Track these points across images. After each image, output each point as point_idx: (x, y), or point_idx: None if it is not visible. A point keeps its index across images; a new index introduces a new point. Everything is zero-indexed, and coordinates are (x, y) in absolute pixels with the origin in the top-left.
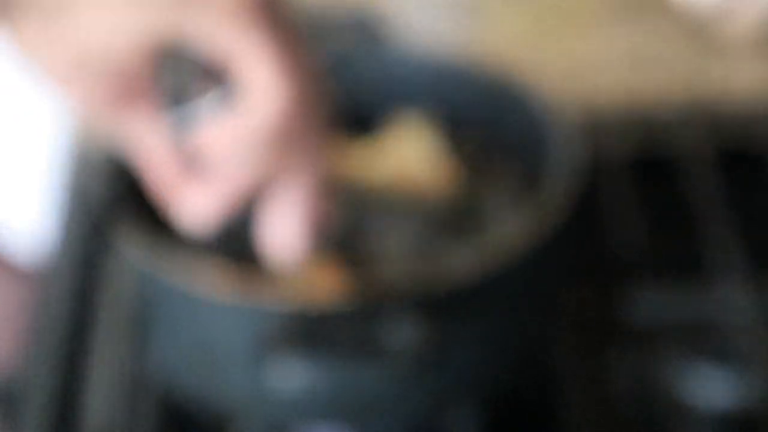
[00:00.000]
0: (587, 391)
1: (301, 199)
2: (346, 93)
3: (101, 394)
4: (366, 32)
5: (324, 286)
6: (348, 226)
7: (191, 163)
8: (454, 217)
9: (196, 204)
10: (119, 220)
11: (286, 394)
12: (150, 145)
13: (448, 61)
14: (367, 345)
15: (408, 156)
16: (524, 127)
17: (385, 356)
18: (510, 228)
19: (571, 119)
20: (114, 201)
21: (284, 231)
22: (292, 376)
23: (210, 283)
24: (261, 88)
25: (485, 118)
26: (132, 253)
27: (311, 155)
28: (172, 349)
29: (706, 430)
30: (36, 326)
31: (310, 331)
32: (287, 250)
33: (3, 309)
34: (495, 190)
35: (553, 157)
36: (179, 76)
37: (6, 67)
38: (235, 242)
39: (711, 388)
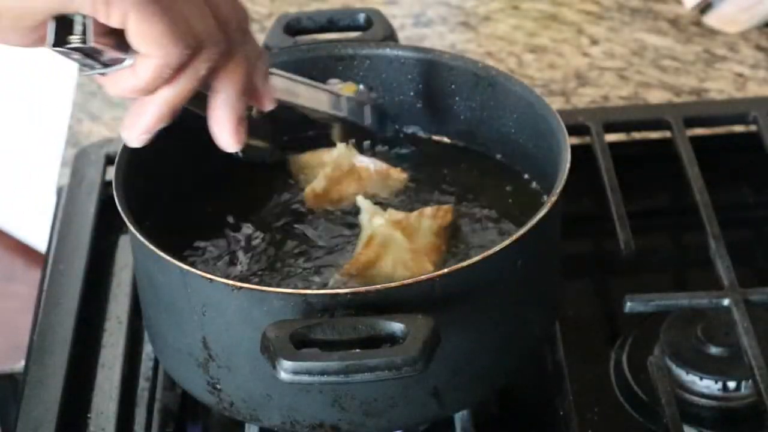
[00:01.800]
0: (587, 391)
1: (226, 97)
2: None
3: (108, 386)
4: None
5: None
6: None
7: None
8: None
9: (131, 123)
10: (123, 211)
11: (289, 390)
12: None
13: (450, 61)
14: (368, 343)
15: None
16: (529, 129)
17: (385, 355)
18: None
19: (569, 119)
20: (117, 191)
21: (220, 130)
22: (293, 374)
23: (214, 275)
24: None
25: (487, 119)
26: (137, 243)
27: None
28: (175, 342)
29: (707, 426)
30: (44, 319)
31: (311, 328)
32: (229, 143)
33: (9, 302)
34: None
35: (554, 157)
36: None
37: (5, 66)
38: None
39: (710, 383)
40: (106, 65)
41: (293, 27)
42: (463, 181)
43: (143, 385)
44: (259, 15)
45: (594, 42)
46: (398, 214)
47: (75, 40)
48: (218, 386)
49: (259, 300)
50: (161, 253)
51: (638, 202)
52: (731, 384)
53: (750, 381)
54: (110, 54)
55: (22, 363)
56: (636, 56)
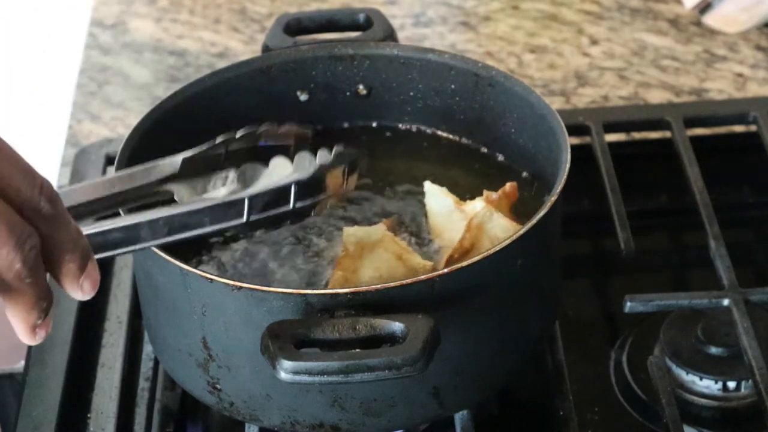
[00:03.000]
0: (587, 391)
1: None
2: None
3: (108, 386)
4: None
5: None
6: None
7: None
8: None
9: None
10: (123, 211)
11: (289, 390)
12: None
13: (450, 61)
14: (368, 343)
15: None
16: (529, 129)
17: (385, 355)
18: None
19: (569, 119)
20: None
21: (15, 326)
22: (293, 374)
23: (215, 276)
24: None
25: (488, 119)
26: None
27: None
28: (175, 342)
29: (707, 426)
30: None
31: (311, 328)
32: (24, 339)
33: None
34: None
35: (554, 157)
36: None
37: (5, 67)
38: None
39: (710, 383)
40: None
41: (293, 27)
42: (463, 181)
43: (143, 385)
44: (259, 15)
45: (594, 42)
46: (482, 198)
47: None
48: (218, 386)
49: (259, 300)
50: (161, 253)
51: (638, 202)
52: (731, 384)
53: (750, 381)
54: None
55: (22, 363)
56: (636, 56)
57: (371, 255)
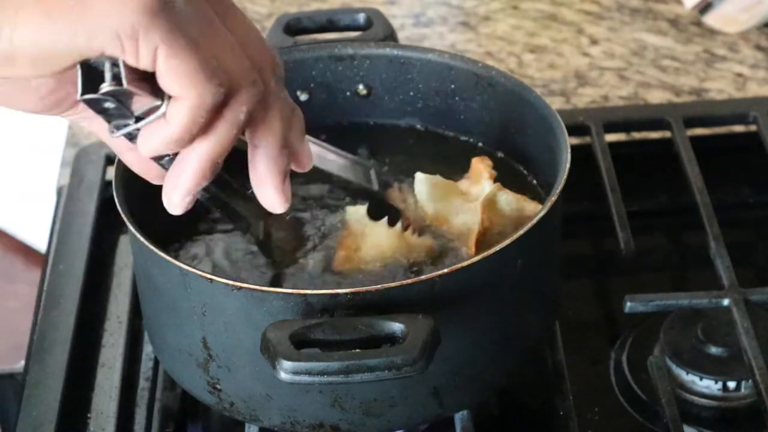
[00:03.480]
0: (587, 391)
1: (267, 151)
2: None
3: (108, 386)
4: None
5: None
6: None
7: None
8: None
9: (172, 187)
10: (123, 211)
11: (289, 390)
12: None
13: (450, 61)
14: (368, 343)
15: None
16: (529, 129)
17: (385, 355)
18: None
19: (569, 119)
20: (117, 191)
21: (264, 189)
22: (293, 374)
23: (215, 276)
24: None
25: (487, 119)
26: (137, 243)
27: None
28: (175, 342)
29: (707, 426)
30: (44, 319)
31: (311, 328)
32: (275, 202)
33: (9, 302)
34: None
35: (554, 157)
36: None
37: None
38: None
39: (710, 383)
40: (138, 119)
41: (293, 27)
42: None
43: (143, 385)
44: (259, 15)
45: (594, 42)
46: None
47: (108, 86)
48: (218, 386)
49: (259, 300)
50: (161, 253)
51: (638, 202)
52: (731, 384)
53: (750, 381)
54: (144, 101)
55: (22, 363)
56: (636, 56)
57: (373, 233)
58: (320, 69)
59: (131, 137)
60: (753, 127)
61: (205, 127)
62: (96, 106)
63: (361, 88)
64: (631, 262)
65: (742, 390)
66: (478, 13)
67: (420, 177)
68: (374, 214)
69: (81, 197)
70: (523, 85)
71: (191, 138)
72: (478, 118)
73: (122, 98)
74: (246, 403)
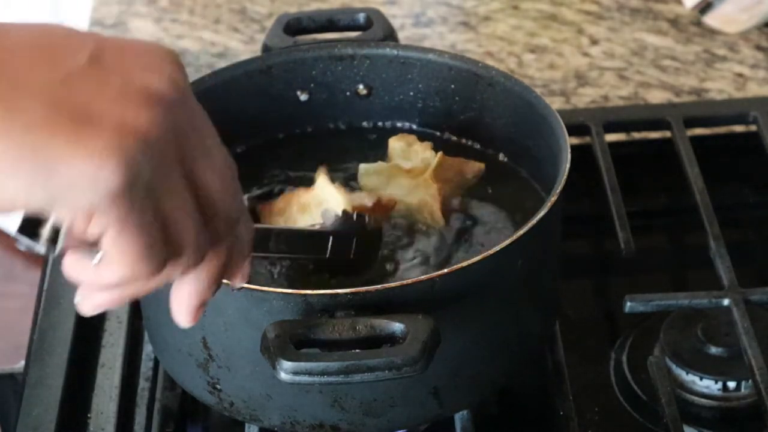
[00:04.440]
0: (587, 391)
1: (194, 282)
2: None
3: (108, 386)
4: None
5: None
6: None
7: None
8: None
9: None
10: None
11: (289, 390)
12: None
13: (450, 61)
14: (368, 343)
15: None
16: (529, 129)
17: (385, 355)
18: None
19: (569, 119)
20: None
21: (177, 307)
22: (293, 374)
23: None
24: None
25: (488, 119)
26: None
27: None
28: (175, 342)
29: (707, 426)
30: (44, 319)
31: (311, 328)
32: (182, 321)
33: (9, 302)
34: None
35: (554, 157)
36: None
37: None
38: None
39: (710, 383)
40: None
41: (293, 27)
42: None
43: (143, 385)
44: (259, 15)
45: (594, 42)
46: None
47: (43, 243)
48: (218, 386)
49: (259, 300)
50: None
51: (638, 202)
52: (731, 384)
53: (750, 381)
54: (77, 249)
55: (22, 363)
56: (636, 56)
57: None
58: (320, 69)
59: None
60: (753, 127)
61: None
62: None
63: (361, 88)
64: (631, 262)
65: (742, 390)
66: (478, 13)
67: (363, 168)
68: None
69: None
70: (523, 85)
71: (116, 288)
72: (478, 118)
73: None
74: (246, 403)
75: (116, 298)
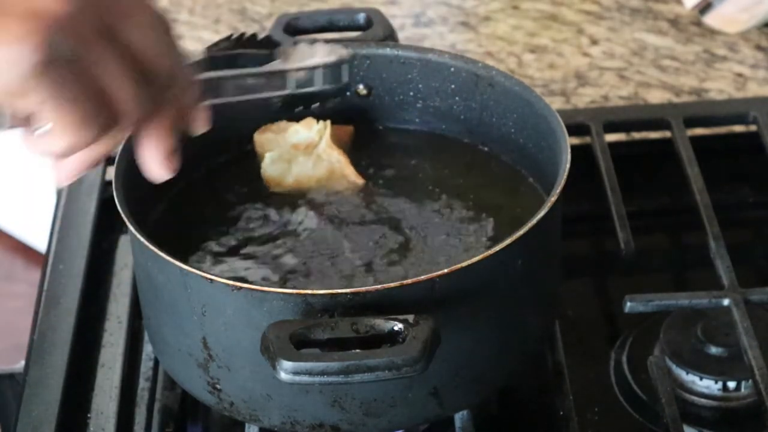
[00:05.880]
0: (587, 391)
1: (152, 137)
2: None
3: (108, 386)
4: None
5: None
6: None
7: None
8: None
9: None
10: (123, 211)
11: (289, 390)
12: None
13: (450, 61)
14: (368, 343)
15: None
16: (529, 129)
17: (385, 355)
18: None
19: (569, 119)
20: (117, 191)
21: (149, 163)
22: (293, 374)
23: (215, 276)
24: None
25: (487, 119)
26: (137, 243)
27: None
28: (175, 342)
29: (707, 426)
30: (44, 319)
31: (311, 328)
32: (158, 174)
33: (9, 302)
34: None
35: (554, 157)
36: None
37: None
38: None
39: (710, 383)
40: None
41: (293, 27)
42: (463, 181)
43: (143, 385)
44: (259, 15)
45: (594, 42)
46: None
47: None
48: (218, 386)
49: (259, 300)
50: (161, 253)
51: (638, 202)
52: (731, 384)
53: (750, 381)
54: (21, 124)
55: (22, 363)
56: (636, 56)
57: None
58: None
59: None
60: (753, 127)
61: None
62: None
63: (361, 88)
64: (631, 262)
65: (742, 390)
66: (478, 13)
67: (265, 162)
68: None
69: (81, 197)
70: (523, 85)
71: (72, 154)
72: (478, 118)
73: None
74: (246, 403)
75: (82, 162)
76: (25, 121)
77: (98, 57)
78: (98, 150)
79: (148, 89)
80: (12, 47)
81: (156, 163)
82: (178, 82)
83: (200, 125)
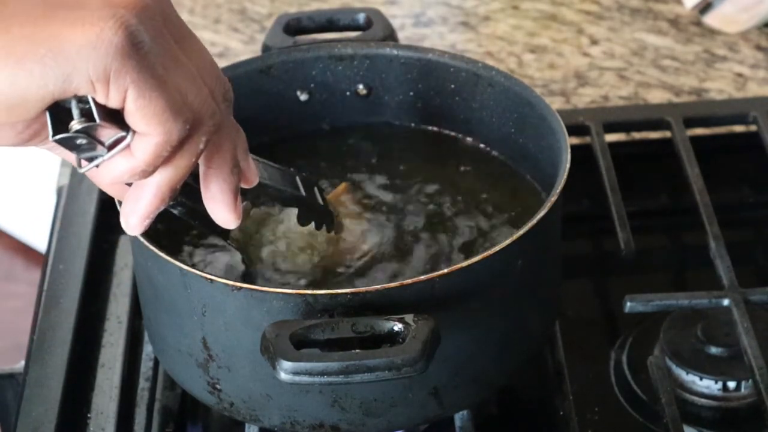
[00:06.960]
0: (587, 391)
1: (219, 171)
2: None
3: (108, 386)
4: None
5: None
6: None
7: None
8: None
9: (130, 210)
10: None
11: (289, 390)
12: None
13: (450, 61)
14: (368, 343)
15: None
16: (529, 129)
17: (385, 355)
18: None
19: (569, 119)
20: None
21: (217, 207)
22: (293, 374)
23: (215, 275)
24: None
25: (487, 119)
26: (137, 243)
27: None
28: (175, 342)
29: (707, 426)
30: (44, 319)
31: (311, 328)
32: (228, 219)
33: (9, 302)
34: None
35: (554, 157)
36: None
37: None
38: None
39: (710, 383)
40: (109, 148)
41: (293, 27)
42: (463, 181)
43: (143, 385)
44: (259, 15)
45: (594, 42)
46: None
47: (78, 123)
48: (218, 386)
49: (259, 300)
50: (161, 253)
51: (638, 202)
52: (731, 384)
53: (750, 381)
54: (109, 132)
55: (22, 363)
56: (636, 56)
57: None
58: (320, 69)
59: (98, 166)
60: (753, 127)
61: (167, 160)
62: (68, 143)
63: (361, 88)
64: (631, 262)
65: (742, 390)
66: (478, 13)
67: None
68: (302, 220)
69: (81, 197)
70: (523, 85)
71: (154, 170)
72: (478, 118)
73: (91, 132)
74: (246, 403)
75: (157, 194)
76: (108, 127)
77: (173, 55)
78: (176, 171)
79: (214, 101)
80: (95, 28)
81: (224, 204)
82: (230, 113)
83: (253, 176)
